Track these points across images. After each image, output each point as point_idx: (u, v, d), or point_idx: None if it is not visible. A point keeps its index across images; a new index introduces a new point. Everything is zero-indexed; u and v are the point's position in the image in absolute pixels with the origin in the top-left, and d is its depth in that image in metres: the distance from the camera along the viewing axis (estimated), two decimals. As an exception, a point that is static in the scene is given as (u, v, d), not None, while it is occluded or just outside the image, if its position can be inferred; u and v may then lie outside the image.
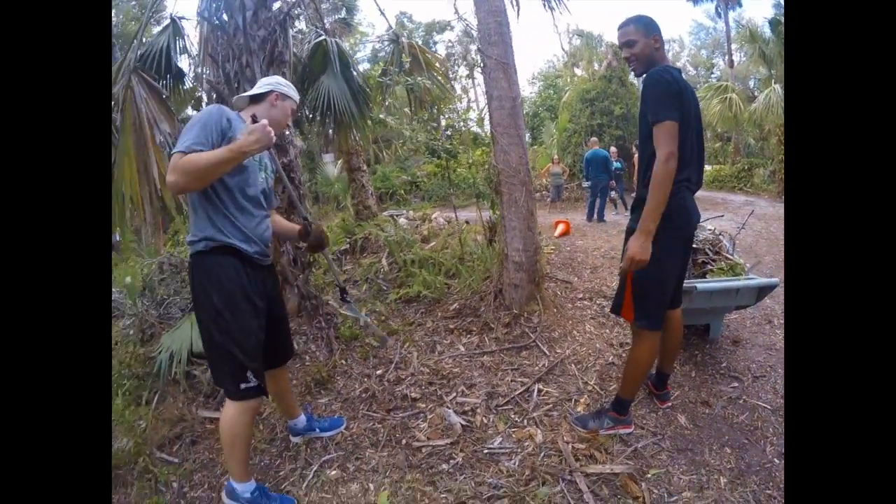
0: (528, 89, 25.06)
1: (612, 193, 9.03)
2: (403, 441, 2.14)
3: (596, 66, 14.14)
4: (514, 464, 1.93)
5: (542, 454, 1.96)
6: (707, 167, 14.82)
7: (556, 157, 11.90)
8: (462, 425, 2.18)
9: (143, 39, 3.36)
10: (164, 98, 3.05)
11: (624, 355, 2.66)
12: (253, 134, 1.54)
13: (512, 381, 2.54)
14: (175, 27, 3.73)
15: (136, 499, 2.00)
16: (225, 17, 3.02)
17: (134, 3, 15.51)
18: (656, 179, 1.65)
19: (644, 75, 1.82)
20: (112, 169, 2.76)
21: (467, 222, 5.14)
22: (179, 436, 2.38)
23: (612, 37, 13.91)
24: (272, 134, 1.57)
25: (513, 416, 2.25)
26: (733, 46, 18.73)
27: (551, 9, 3.96)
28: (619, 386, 2.11)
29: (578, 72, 17.15)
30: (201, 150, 1.51)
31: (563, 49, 18.70)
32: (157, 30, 3.97)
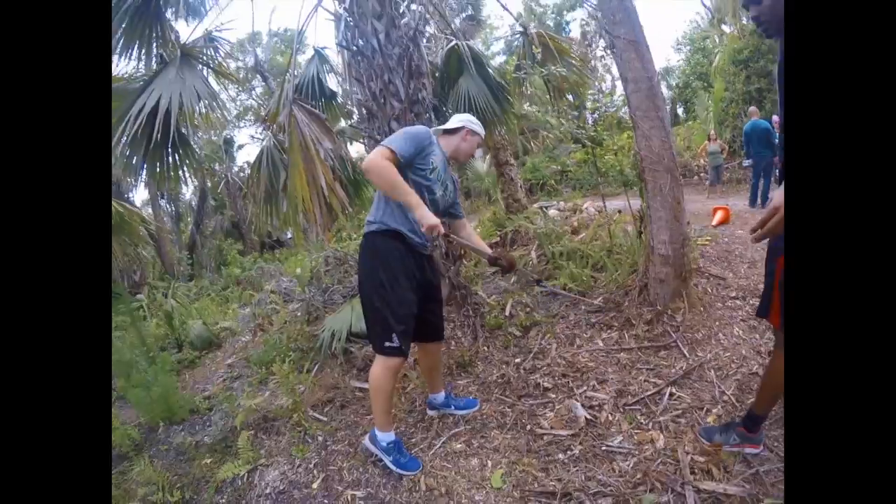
0: (673, 58, 22.12)
1: (778, 172, 7.04)
2: (528, 427, 2.22)
3: (745, 20, 11.74)
4: (629, 465, 1.87)
5: (658, 460, 1.86)
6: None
7: (712, 132, 10.23)
8: (586, 419, 2.18)
9: (295, 72, 3.93)
10: (323, 120, 3.58)
11: (768, 366, 2.34)
12: (430, 225, 1.80)
13: (645, 380, 2.42)
14: (320, 57, 4.39)
15: (285, 445, 2.47)
16: (360, 42, 3.35)
17: (276, 39, 18.00)
18: None
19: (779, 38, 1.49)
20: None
21: (619, 212, 4.85)
22: (331, 400, 2.82)
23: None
24: (432, 232, 1.83)
25: (639, 416, 2.16)
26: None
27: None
28: (754, 399, 1.87)
29: (726, 29, 14.34)
30: (402, 155, 1.86)
31: (704, 4, 15.83)
32: (302, 59, 4.70)
